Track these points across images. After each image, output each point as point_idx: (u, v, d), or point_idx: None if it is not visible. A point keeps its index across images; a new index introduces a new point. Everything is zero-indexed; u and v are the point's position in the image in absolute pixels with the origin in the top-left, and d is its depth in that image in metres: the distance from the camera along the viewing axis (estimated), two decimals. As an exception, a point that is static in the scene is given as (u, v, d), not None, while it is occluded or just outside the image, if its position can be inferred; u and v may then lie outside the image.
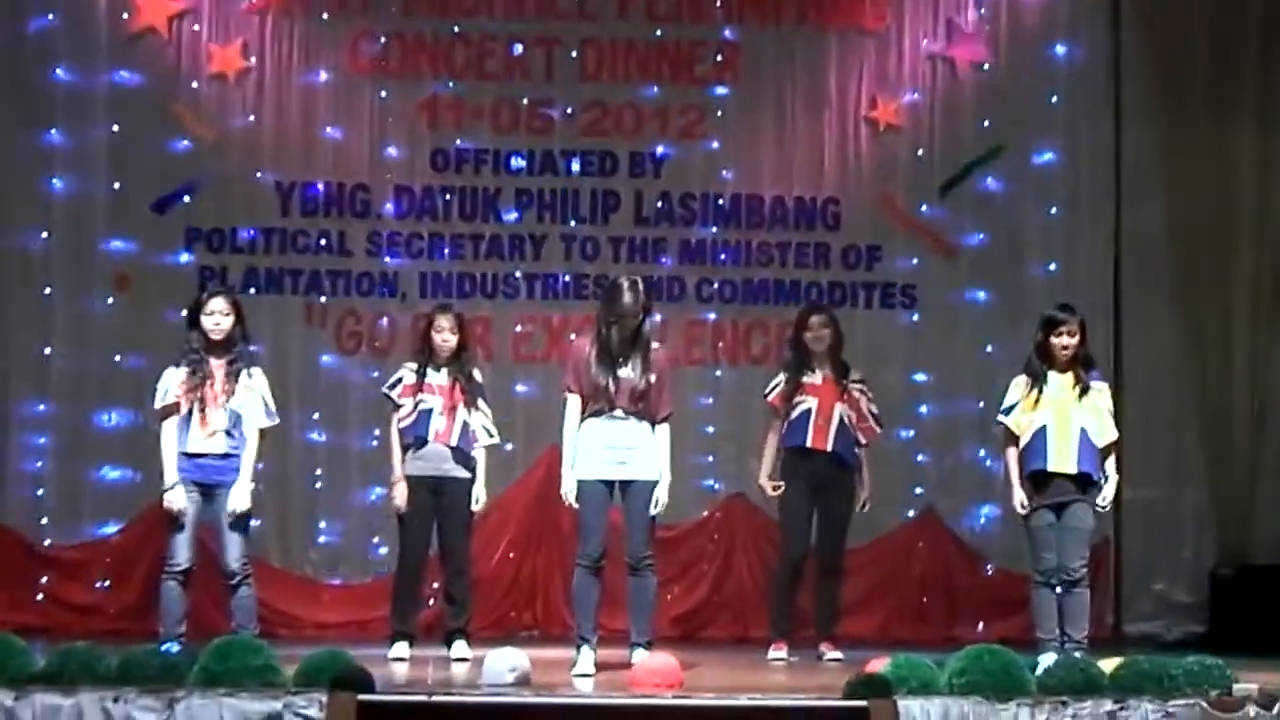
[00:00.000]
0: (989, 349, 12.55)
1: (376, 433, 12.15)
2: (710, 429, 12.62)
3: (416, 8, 12.76)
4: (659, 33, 12.82)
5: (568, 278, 12.66)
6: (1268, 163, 12.92)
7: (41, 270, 12.35)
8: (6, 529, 12.19)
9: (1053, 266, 12.81)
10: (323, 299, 12.54)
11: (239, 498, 9.42)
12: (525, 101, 12.75)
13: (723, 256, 12.76)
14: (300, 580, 12.37)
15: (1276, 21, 12.89)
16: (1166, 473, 12.81)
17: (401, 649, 10.21)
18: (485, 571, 11.94)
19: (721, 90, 12.84)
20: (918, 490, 12.69)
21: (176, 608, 9.36)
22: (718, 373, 12.70)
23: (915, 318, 12.79)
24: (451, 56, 12.73)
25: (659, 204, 12.74)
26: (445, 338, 10.35)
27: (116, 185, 12.42)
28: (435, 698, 8.06)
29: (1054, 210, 12.87)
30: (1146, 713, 7.98)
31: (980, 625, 12.16)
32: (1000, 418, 9.92)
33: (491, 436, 10.41)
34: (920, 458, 12.72)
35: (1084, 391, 9.82)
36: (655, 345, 9.61)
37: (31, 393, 12.31)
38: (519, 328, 12.62)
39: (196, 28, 12.55)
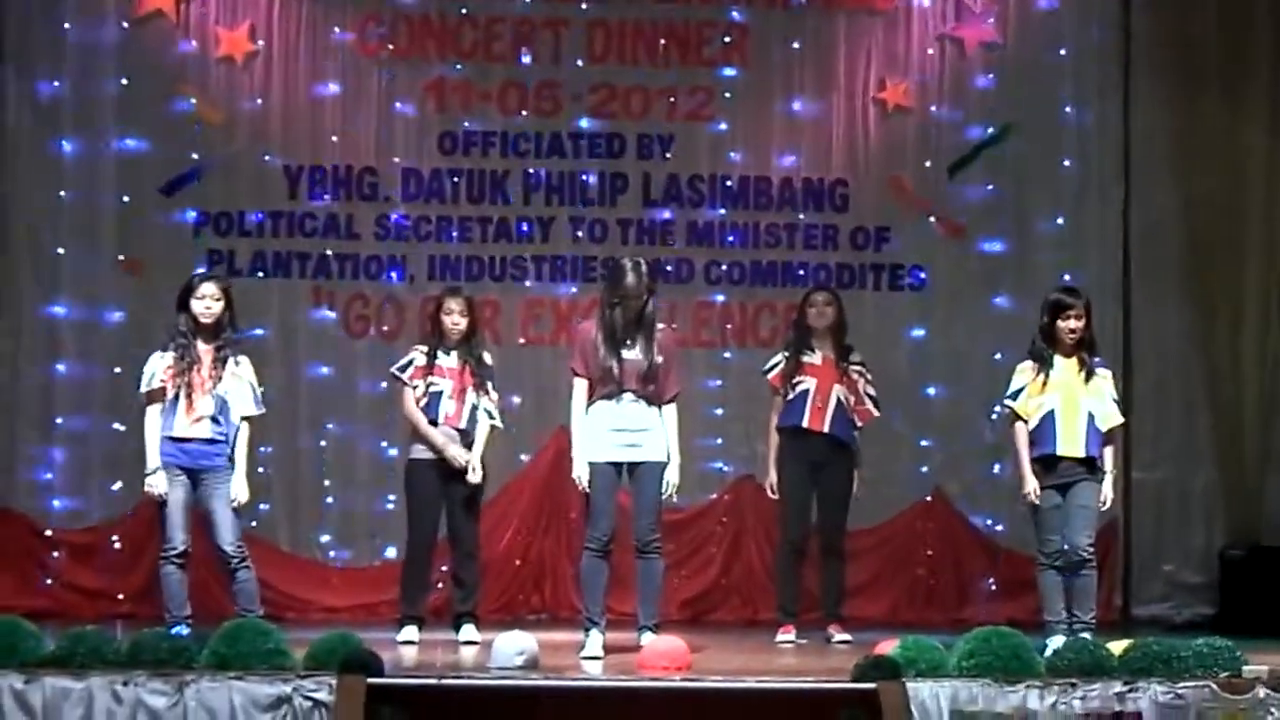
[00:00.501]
0: (997, 330, 12.52)
1: (385, 416, 12.16)
2: (719, 411, 12.62)
3: (424, -10, 12.76)
4: (667, 14, 12.78)
5: (576, 260, 12.65)
6: (1279, 146, 12.89)
7: (50, 253, 12.33)
8: (15, 513, 12.20)
9: (1061, 247, 12.79)
10: (330, 282, 12.52)
11: (239, 489, 9.43)
12: (533, 83, 12.73)
13: (731, 238, 12.75)
14: (309, 564, 12.37)
15: (1288, 4, 12.88)
16: (1176, 454, 12.80)
17: (411, 632, 10.22)
18: (493, 555, 11.94)
19: (730, 72, 12.82)
20: (925, 471, 12.68)
21: (178, 591, 9.37)
22: (726, 355, 12.70)
23: (923, 299, 12.77)
24: (459, 38, 12.71)
25: (667, 186, 12.72)
26: (455, 320, 10.34)
27: (125, 168, 12.40)
28: (444, 681, 8.08)
29: (1063, 191, 12.84)
30: (1156, 694, 7.98)
31: (988, 607, 12.14)
32: (1006, 402, 9.93)
33: (492, 419, 10.39)
34: (928, 440, 12.71)
35: (1089, 376, 9.82)
36: (660, 326, 9.61)
37: (41, 376, 12.30)
38: (527, 310, 12.61)
39: (204, 10, 12.53)
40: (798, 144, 12.81)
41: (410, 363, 10.42)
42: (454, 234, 12.61)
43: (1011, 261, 12.77)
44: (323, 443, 12.48)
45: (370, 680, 7.77)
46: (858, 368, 10.89)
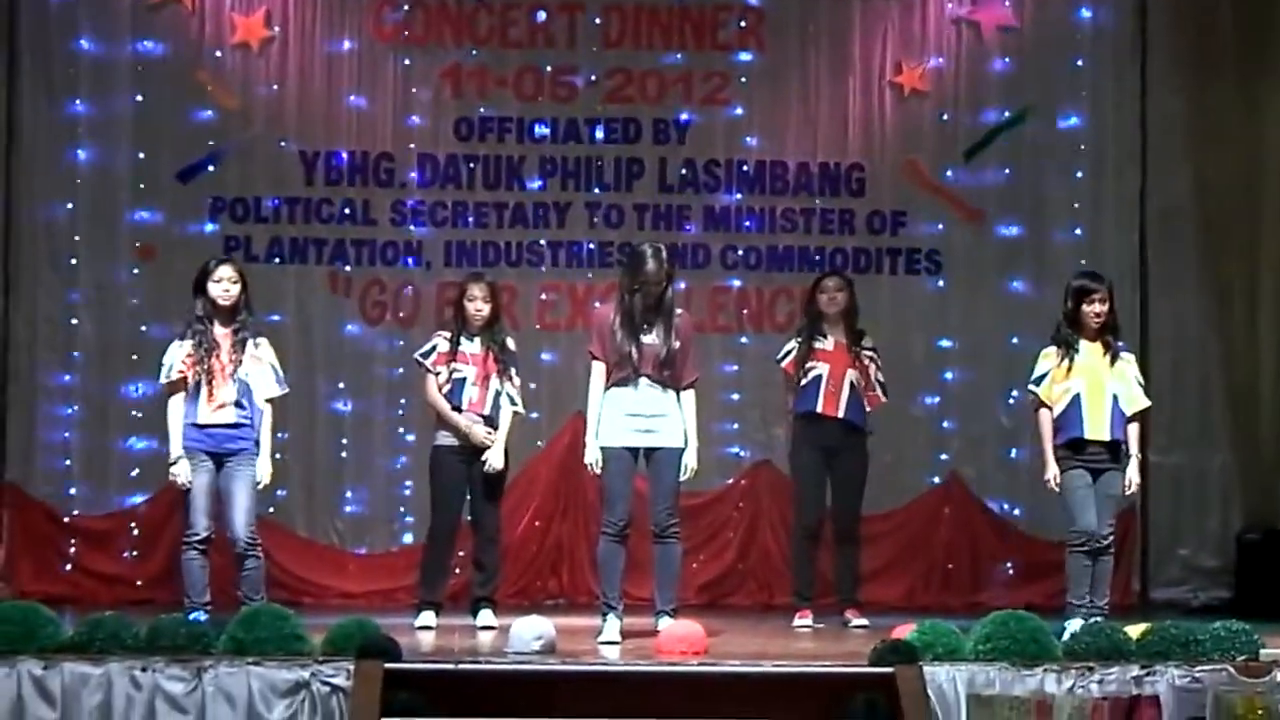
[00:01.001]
0: (1014, 315, 12.51)
1: (403, 401, 12.20)
2: (735, 396, 12.61)
3: (439, -25, 12.76)
4: (682, -1, 12.81)
5: (592, 245, 12.64)
6: (1296, 127, 12.89)
7: (66, 241, 12.35)
8: (34, 500, 12.22)
9: (1078, 231, 12.78)
10: (347, 268, 12.52)
11: (263, 470, 9.45)
12: (549, 69, 12.72)
13: (747, 223, 12.74)
14: (326, 549, 12.39)
15: (1306, -16, 12.84)
16: (1193, 438, 12.79)
17: (428, 617, 10.22)
18: (511, 540, 11.94)
19: (745, 56, 12.80)
20: (943, 456, 12.67)
21: (199, 577, 9.39)
22: (743, 340, 12.69)
23: (940, 283, 12.76)
24: (475, 24, 12.70)
25: (683, 171, 12.71)
26: (478, 307, 10.33)
27: (141, 155, 12.41)
28: (461, 666, 8.09)
29: (1080, 174, 12.82)
30: (1173, 678, 7.99)
31: (1006, 591, 12.13)
32: (1031, 388, 9.91)
33: (514, 404, 10.39)
34: (945, 424, 12.70)
35: (1114, 359, 9.83)
36: (678, 312, 9.61)
37: (57, 364, 12.33)
38: (543, 296, 12.61)
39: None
40: (814, 128, 12.79)
41: (434, 349, 10.41)
42: (470, 220, 12.61)
43: (1028, 245, 12.76)
44: (339, 428, 12.48)
45: (388, 665, 7.79)
46: (870, 353, 10.90)
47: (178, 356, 9.46)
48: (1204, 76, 12.83)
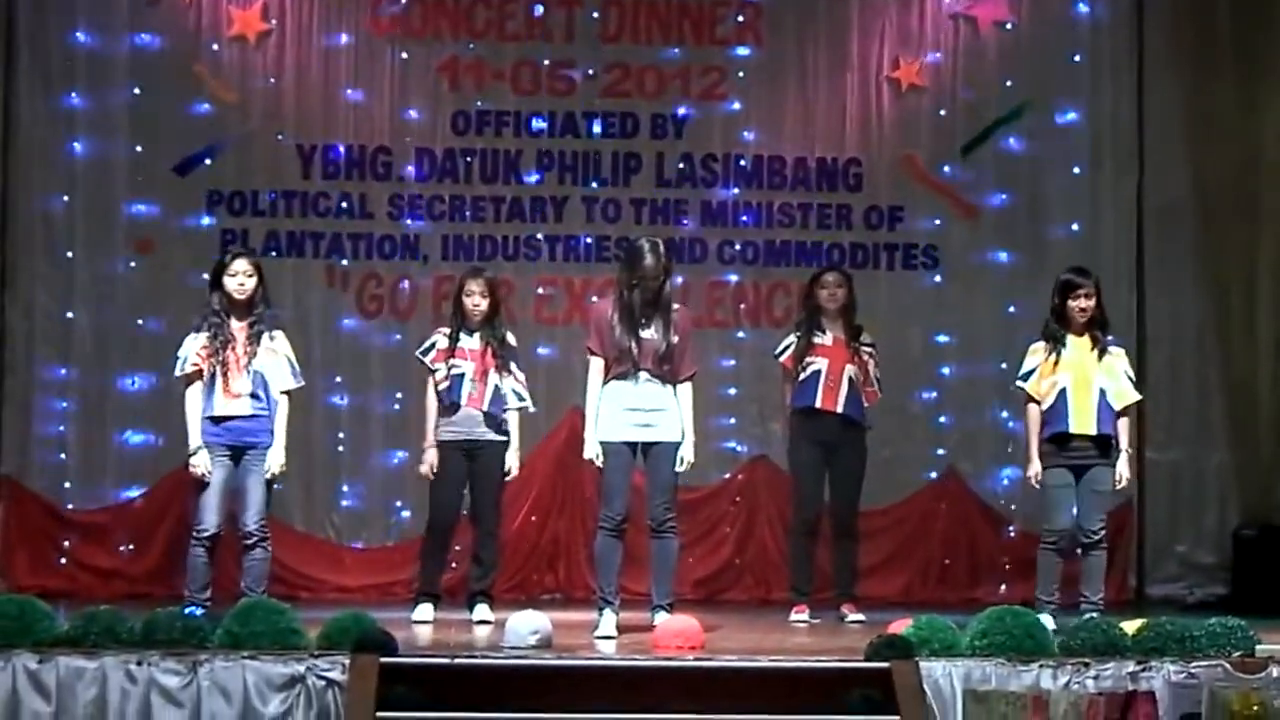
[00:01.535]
0: (1011, 310, 12.53)
1: (399, 396, 12.19)
2: (732, 391, 12.61)
3: (437, -31, 12.74)
4: (680, -7, 12.80)
5: (589, 240, 12.64)
6: (1294, 123, 12.89)
7: (63, 234, 12.34)
8: (29, 493, 12.21)
9: (1075, 227, 12.78)
10: (344, 262, 12.51)
11: (276, 460, 9.44)
12: (546, 63, 12.71)
13: (744, 218, 12.73)
14: (323, 543, 12.38)
15: (1303, -21, 12.84)
16: (1190, 434, 12.80)
17: (426, 611, 10.22)
18: (507, 534, 11.93)
19: (743, 51, 12.80)
20: (940, 451, 12.67)
21: (203, 574, 9.39)
22: (740, 334, 12.68)
23: (937, 279, 12.76)
24: (472, 18, 12.69)
25: (680, 165, 12.71)
26: (476, 302, 10.33)
27: (138, 149, 12.40)
28: (457, 660, 8.09)
29: (1077, 170, 12.83)
30: (1169, 674, 7.99)
31: (1002, 587, 12.14)
32: (1019, 383, 9.98)
33: (522, 401, 10.40)
34: (942, 419, 12.71)
35: (1102, 354, 9.86)
36: (676, 306, 9.61)
37: (53, 357, 12.31)
38: (540, 290, 12.60)
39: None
40: (811, 123, 12.79)
41: (432, 346, 10.42)
42: (467, 214, 12.60)
43: (1025, 241, 12.75)
44: (336, 422, 12.47)
45: (383, 660, 7.79)
46: (869, 349, 10.89)
47: (193, 349, 9.46)
48: (1201, 73, 12.83)
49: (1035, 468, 9.87)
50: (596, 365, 9.52)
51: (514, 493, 12.02)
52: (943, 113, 12.81)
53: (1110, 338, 10.02)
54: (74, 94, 12.38)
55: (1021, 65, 12.85)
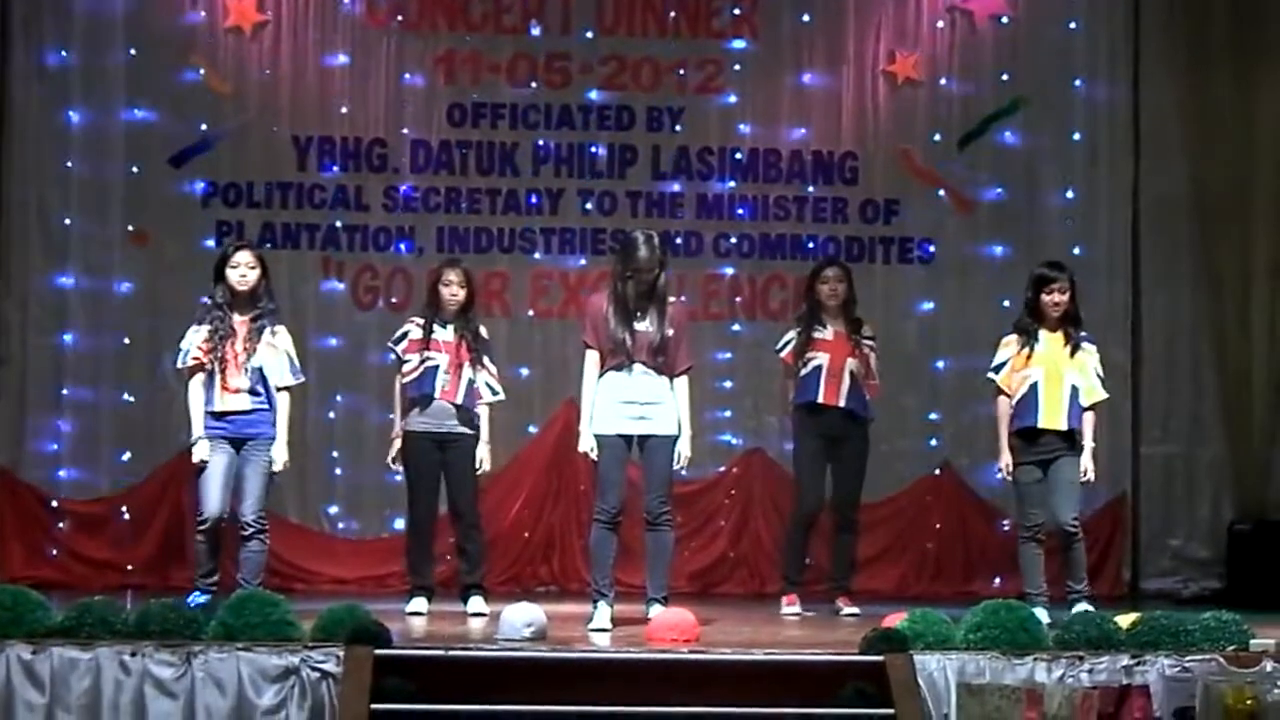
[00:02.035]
0: (1006, 304, 12.45)
1: (394, 387, 12.16)
2: (728, 384, 12.60)
3: (433, -40, 12.72)
4: (676, -14, 12.78)
5: (585, 232, 12.63)
6: (1290, 118, 12.89)
7: (59, 225, 12.32)
8: (23, 484, 12.20)
9: (1071, 221, 12.77)
10: (339, 254, 12.50)
11: (280, 455, 9.47)
12: (542, 55, 12.70)
13: (740, 211, 12.72)
14: (317, 535, 12.37)
15: (1299, -26, 12.83)
16: (1185, 429, 12.80)
17: (419, 604, 10.22)
18: (502, 527, 11.96)
19: (739, 44, 12.78)
20: (934, 445, 12.67)
21: (207, 559, 9.45)
22: (735, 327, 12.68)
23: (933, 272, 12.75)
24: (468, 10, 12.67)
25: (676, 158, 12.70)
26: (454, 292, 10.32)
27: (134, 140, 12.37)
28: (451, 652, 8.09)
29: (1073, 165, 12.82)
30: (1163, 668, 8.00)
31: (996, 580, 12.13)
32: (990, 375, 10.03)
33: (495, 394, 10.37)
34: (937, 413, 12.70)
35: (1075, 350, 9.88)
36: (671, 299, 9.61)
37: (48, 348, 12.29)
38: (536, 283, 12.59)
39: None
40: (807, 117, 12.78)
41: (405, 335, 10.41)
42: (463, 206, 12.59)
43: (1021, 235, 12.74)
44: (331, 414, 12.46)
45: (378, 651, 7.79)
46: (869, 342, 10.89)
47: (194, 342, 9.47)
48: (1198, 67, 12.82)
49: (1006, 459, 9.94)
50: (591, 358, 9.52)
51: (508, 485, 12.06)
52: (939, 106, 12.81)
53: (1084, 334, 10.03)
54: (70, 84, 12.35)
55: (1017, 59, 12.84)
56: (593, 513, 9.55)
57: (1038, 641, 8.13)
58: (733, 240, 12.71)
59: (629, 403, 9.41)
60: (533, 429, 12.40)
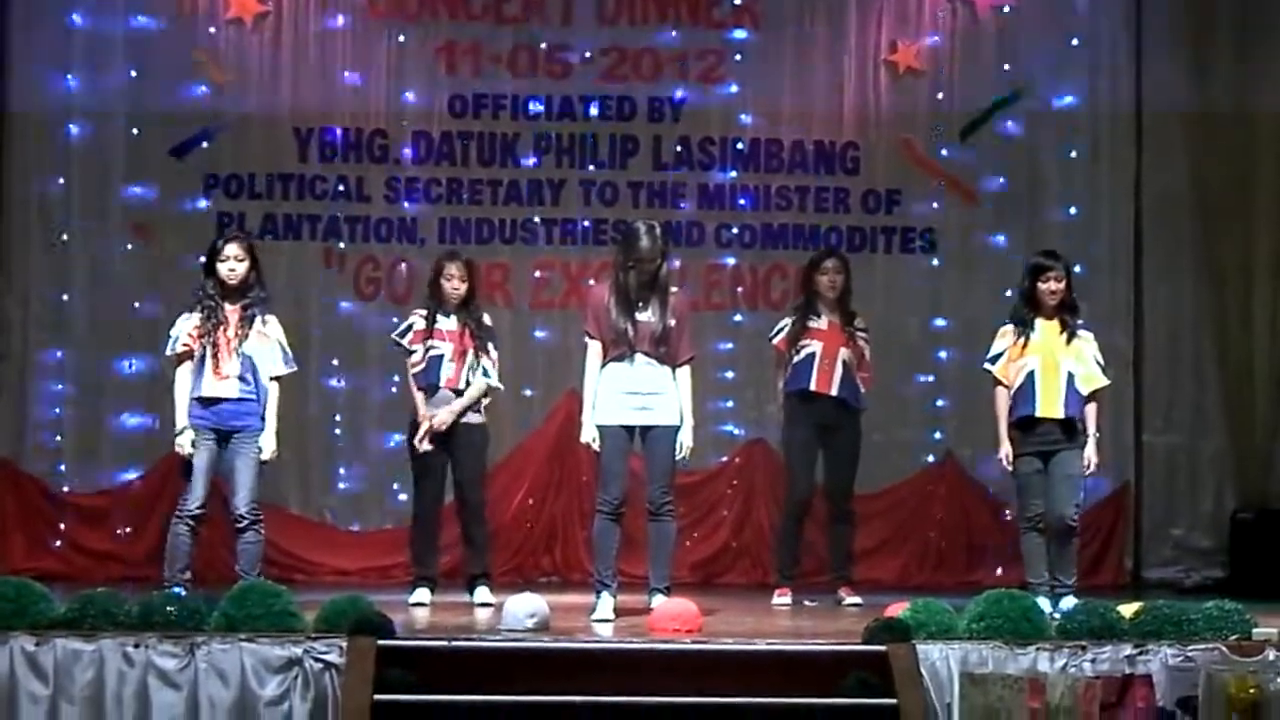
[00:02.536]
0: (1009, 293, 12.40)
1: (396, 379, 12.16)
2: (730, 374, 12.61)
3: (434, -49, 12.71)
4: (678, -24, 12.77)
5: (586, 223, 12.62)
6: (1293, 110, 12.88)
7: (60, 217, 12.33)
8: (26, 476, 12.21)
9: (1073, 210, 12.77)
10: (341, 245, 12.50)
11: (268, 445, 9.44)
12: (543, 46, 12.68)
13: (742, 201, 12.72)
14: (319, 526, 12.38)
15: (1302, -36, 12.82)
16: (1187, 419, 12.80)
17: (423, 594, 10.22)
18: (505, 517, 11.96)
19: (740, 34, 12.77)
20: (937, 435, 12.67)
21: (183, 552, 9.37)
22: (737, 318, 12.68)
23: (935, 262, 12.75)
24: (469, 1, 12.66)
25: (678, 148, 12.69)
26: (455, 286, 10.32)
27: (135, 131, 12.38)
28: (454, 643, 8.09)
29: (1075, 155, 12.81)
30: (1166, 657, 8.00)
31: (999, 570, 12.13)
32: (987, 365, 10.03)
33: (488, 378, 10.34)
34: (940, 403, 12.70)
35: (1071, 338, 9.88)
36: (673, 290, 9.60)
37: (49, 340, 12.31)
38: (537, 273, 12.58)
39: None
40: (809, 107, 12.77)
41: (409, 327, 10.42)
42: (464, 196, 12.59)
43: (1022, 225, 12.74)
44: (333, 405, 12.46)
45: (381, 642, 7.79)
46: (863, 334, 10.89)
47: (184, 329, 9.46)
48: (1201, 58, 12.80)
49: (1006, 449, 9.93)
50: (594, 348, 9.51)
51: (511, 476, 12.07)
52: (940, 96, 12.80)
53: (1080, 321, 10.03)
54: (70, 76, 12.36)
55: (1020, 49, 12.83)
56: (595, 503, 9.55)
57: (1040, 631, 8.13)
58: (734, 230, 12.70)
59: (631, 393, 9.40)
60: (535, 420, 12.38)
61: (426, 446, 10.29)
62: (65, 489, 12.24)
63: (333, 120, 12.54)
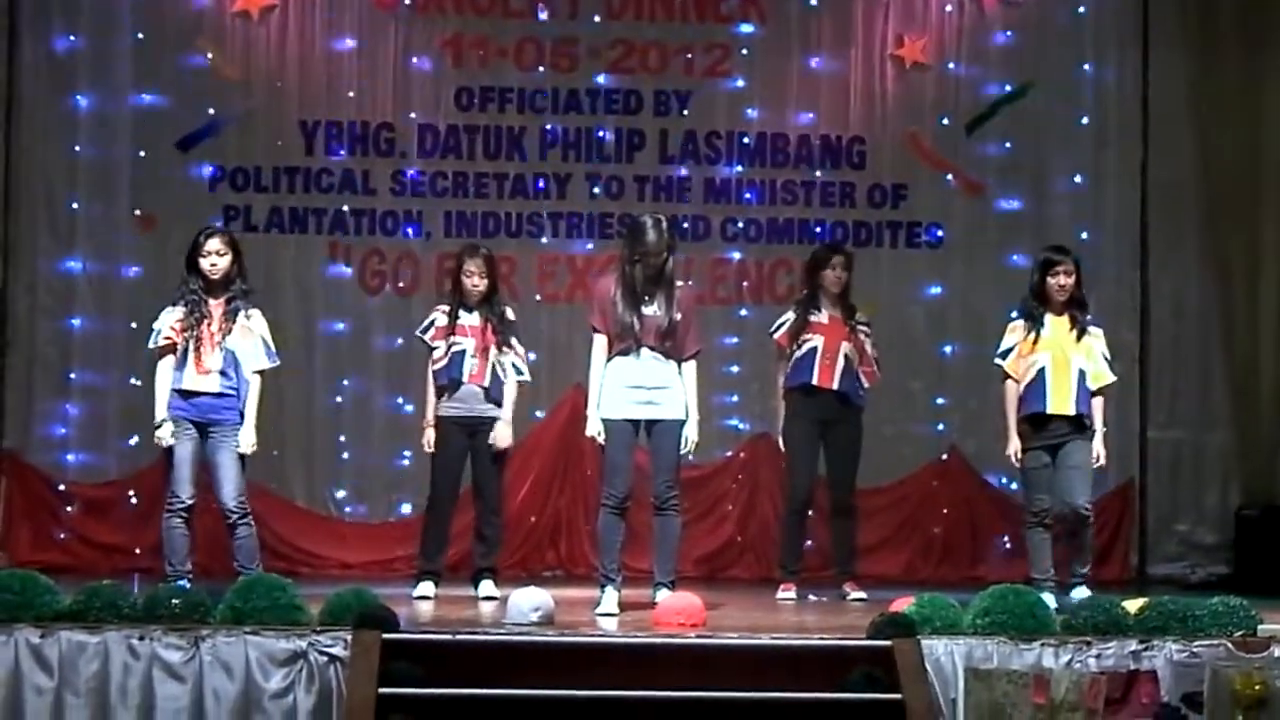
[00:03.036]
0: (1014, 289, 12.46)
1: (402, 373, 12.16)
2: (735, 369, 12.61)
3: (441, -56, 12.71)
4: (685, -31, 12.77)
5: (592, 217, 12.62)
6: (1299, 101, 12.86)
7: (66, 209, 12.33)
8: (31, 467, 12.22)
9: (1079, 205, 12.76)
10: (346, 238, 12.50)
11: (247, 439, 9.42)
12: (550, 39, 12.68)
13: (747, 195, 12.71)
14: (324, 519, 12.38)
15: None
16: (1193, 414, 12.79)
17: (427, 588, 10.22)
18: (509, 511, 11.91)
19: (747, 28, 12.77)
20: (941, 429, 12.67)
21: (181, 545, 9.39)
22: (742, 312, 12.67)
23: (940, 257, 12.74)
24: (476, -7, 12.69)
25: (684, 143, 12.68)
26: (475, 282, 10.30)
27: (141, 123, 12.37)
28: (459, 636, 8.10)
29: (1081, 149, 12.80)
30: (1171, 653, 8.00)
31: (1004, 565, 12.12)
32: (997, 360, 10.02)
33: (520, 374, 10.36)
34: (945, 398, 12.69)
35: (1081, 334, 9.88)
36: (679, 283, 9.60)
37: (56, 332, 12.31)
38: (543, 267, 12.59)
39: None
40: (815, 101, 12.77)
41: (432, 323, 10.41)
42: (470, 190, 12.58)
43: (1029, 219, 12.74)
44: (338, 398, 12.47)
45: (385, 636, 7.80)
46: (864, 328, 10.88)
47: (167, 322, 9.46)
48: (1207, 50, 12.80)
49: (1015, 444, 9.92)
50: (599, 342, 9.50)
51: (516, 470, 12.03)
52: (946, 90, 12.79)
53: (1089, 317, 10.03)
54: (78, 68, 12.36)
55: (1026, 43, 12.82)
56: (600, 498, 9.55)
57: (1045, 626, 8.13)
58: (740, 225, 12.70)
59: (637, 387, 9.40)
60: (540, 414, 12.39)
61: (429, 448, 10.32)
62: (71, 481, 12.24)
63: (339, 113, 12.54)
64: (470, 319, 10.31)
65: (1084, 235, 12.28)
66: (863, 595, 10.59)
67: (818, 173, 12.72)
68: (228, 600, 8.01)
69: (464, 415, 10.25)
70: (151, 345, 9.55)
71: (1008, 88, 12.77)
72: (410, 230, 12.53)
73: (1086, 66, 12.82)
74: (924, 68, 12.78)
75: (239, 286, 9.52)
